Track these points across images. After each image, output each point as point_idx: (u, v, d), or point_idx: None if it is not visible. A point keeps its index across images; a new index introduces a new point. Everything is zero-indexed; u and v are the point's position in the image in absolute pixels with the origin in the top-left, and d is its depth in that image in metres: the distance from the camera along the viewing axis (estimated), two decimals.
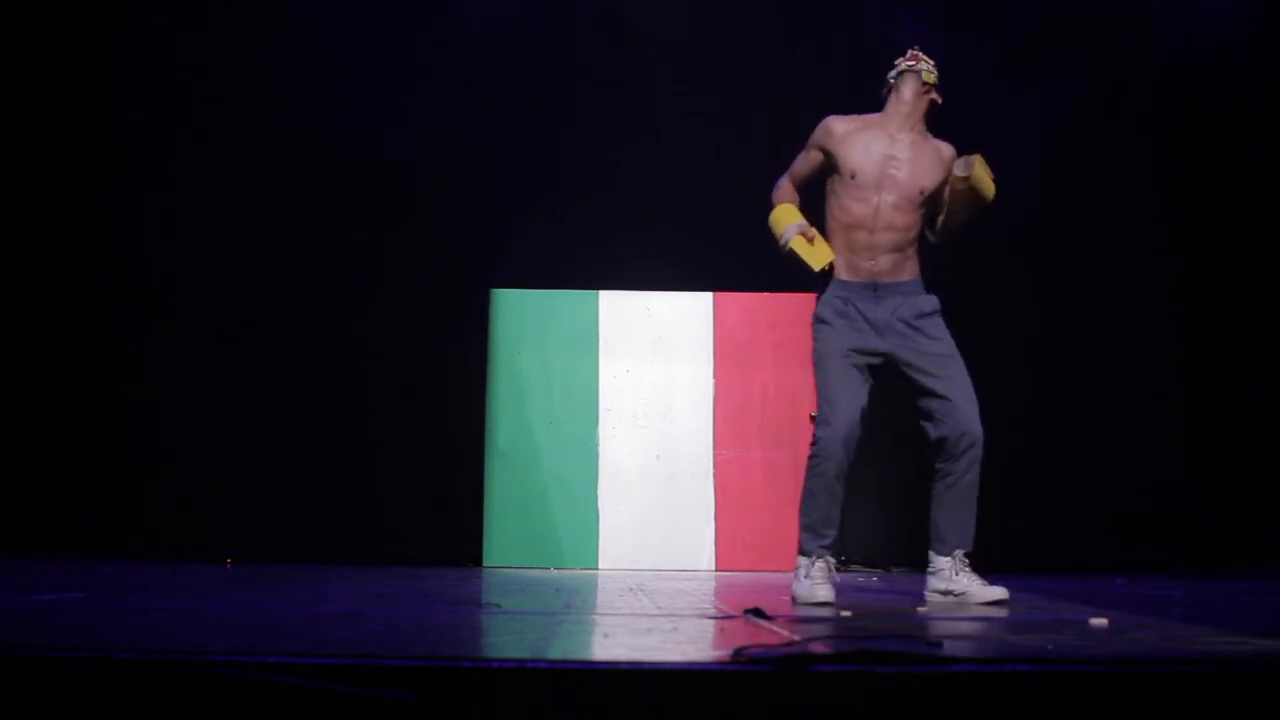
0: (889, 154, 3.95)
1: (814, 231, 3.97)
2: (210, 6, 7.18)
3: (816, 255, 3.93)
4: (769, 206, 4.14)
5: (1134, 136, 7.12)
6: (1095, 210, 7.08)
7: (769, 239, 6.92)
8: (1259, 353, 6.92)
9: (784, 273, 6.71)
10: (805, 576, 3.85)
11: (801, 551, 3.92)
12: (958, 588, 3.87)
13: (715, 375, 6.91)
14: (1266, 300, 6.94)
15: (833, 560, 3.95)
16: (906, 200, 3.95)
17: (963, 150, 4.08)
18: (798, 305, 6.92)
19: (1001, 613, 3.50)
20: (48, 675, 1.89)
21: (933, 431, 3.92)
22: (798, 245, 3.93)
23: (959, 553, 3.92)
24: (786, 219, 4.01)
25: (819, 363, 3.97)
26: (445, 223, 7.02)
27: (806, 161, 4.10)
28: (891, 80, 4.05)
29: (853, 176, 3.93)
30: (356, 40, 7.15)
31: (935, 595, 3.93)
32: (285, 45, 7.11)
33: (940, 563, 3.93)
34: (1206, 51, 7.10)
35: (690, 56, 7.04)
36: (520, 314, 6.92)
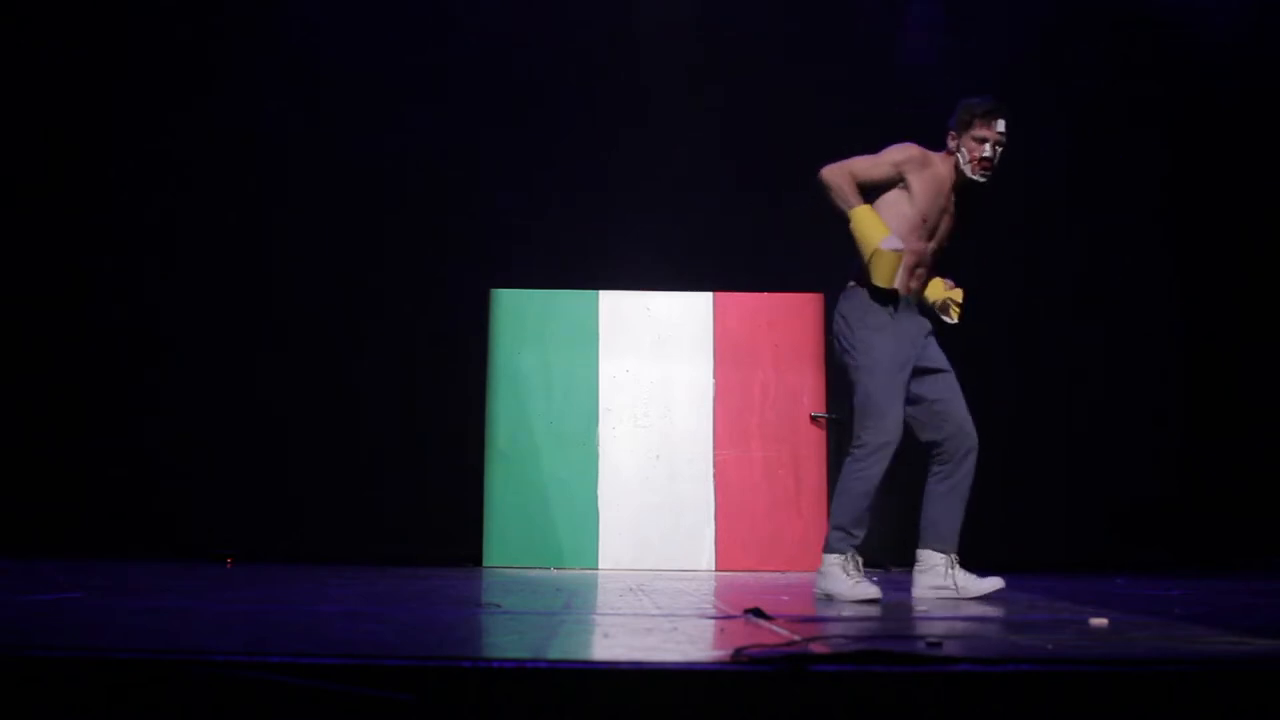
0: (945, 208, 4.19)
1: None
2: (211, 8, 7.18)
3: (893, 276, 4.03)
4: (823, 189, 4.11)
5: (1136, 135, 7.13)
6: (1096, 209, 7.09)
7: (768, 239, 6.92)
8: (1259, 352, 6.92)
9: (784, 273, 6.79)
10: (846, 575, 3.97)
11: (831, 550, 4.02)
12: (955, 583, 4.06)
13: (715, 375, 6.91)
14: (1267, 300, 6.94)
15: (860, 559, 4.04)
16: (942, 245, 4.24)
17: None
18: (798, 305, 6.93)
19: (1001, 613, 3.50)
20: (48, 675, 1.89)
21: (935, 435, 4.12)
22: (898, 261, 3.99)
23: (953, 553, 4.12)
24: (884, 227, 4.03)
25: (871, 369, 4.05)
26: (445, 223, 7.03)
27: (878, 174, 4.14)
28: (972, 156, 4.10)
29: (924, 220, 4.13)
30: (357, 42, 7.15)
31: (928, 591, 4.10)
32: (286, 46, 7.12)
33: (935, 559, 4.11)
34: (1210, 51, 7.10)
35: (690, 56, 7.04)
36: (520, 314, 6.92)
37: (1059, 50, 7.14)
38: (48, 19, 7.12)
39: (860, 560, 4.04)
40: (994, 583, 4.03)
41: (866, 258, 4.01)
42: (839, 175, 4.09)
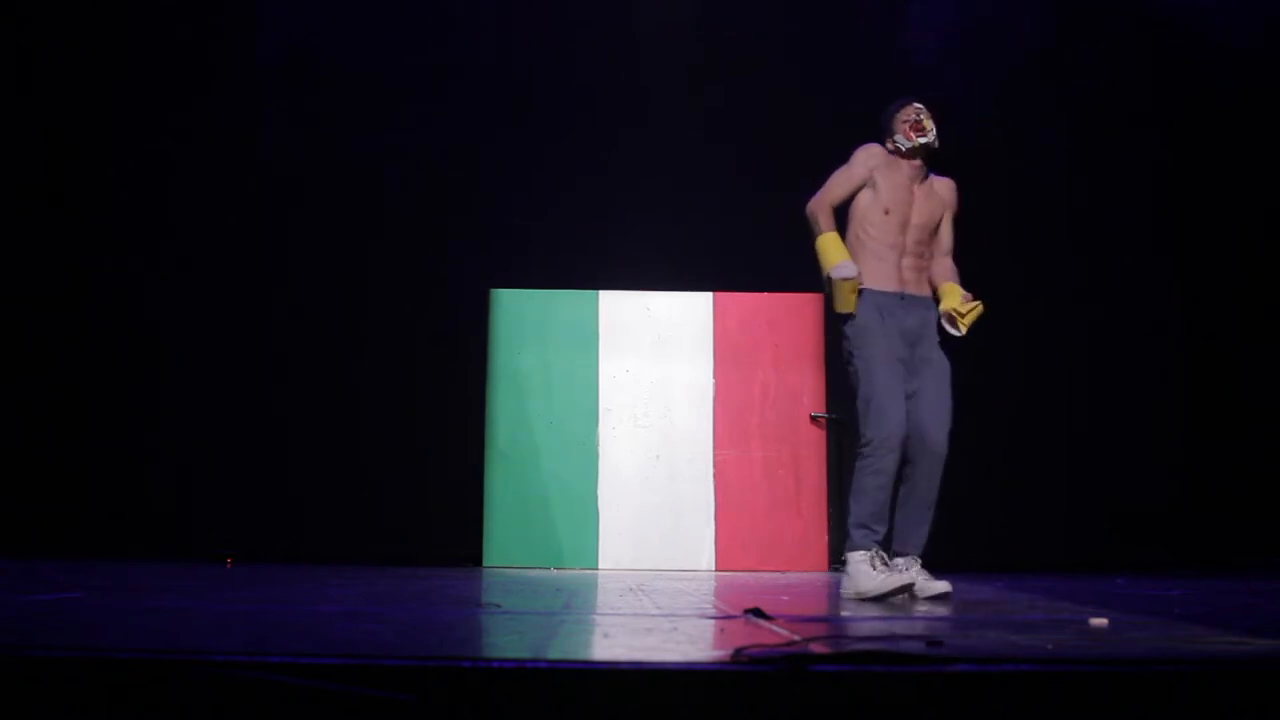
0: (909, 199, 4.32)
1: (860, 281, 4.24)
2: (211, 8, 7.18)
3: (850, 303, 4.20)
4: (808, 223, 4.32)
5: (1136, 134, 7.13)
6: (1096, 209, 7.09)
7: (768, 239, 6.94)
8: (1259, 352, 6.92)
9: (784, 273, 6.79)
10: (874, 570, 4.02)
11: (855, 548, 4.08)
12: (907, 580, 4.11)
13: (715, 375, 6.91)
14: (1267, 300, 6.94)
15: (884, 554, 4.10)
16: (924, 234, 4.34)
17: (966, 176, 4.37)
18: (798, 305, 6.93)
19: (1001, 613, 3.50)
20: (48, 675, 1.89)
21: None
22: (852, 289, 4.17)
23: (914, 554, 4.19)
24: (842, 254, 4.25)
25: (865, 366, 4.17)
26: (445, 223, 7.03)
27: (849, 181, 4.32)
28: (903, 148, 4.33)
29: (886, 212, 4.28)
30: (357, 42, 7.15)
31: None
32: (286, 46, 7.12)
33: (895, 559, 4.21)
34: (1210, 51, 7.10)
35: (690, 56, 7.04)
36: (520, 314, 6.92)
37: (1059, 50, 7.14)
38: (48, 19, 7.12)
39: (884, 555, 4.09)
40: (942, 585, 4.07)
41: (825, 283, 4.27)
42: (816, 206, 4.32)
